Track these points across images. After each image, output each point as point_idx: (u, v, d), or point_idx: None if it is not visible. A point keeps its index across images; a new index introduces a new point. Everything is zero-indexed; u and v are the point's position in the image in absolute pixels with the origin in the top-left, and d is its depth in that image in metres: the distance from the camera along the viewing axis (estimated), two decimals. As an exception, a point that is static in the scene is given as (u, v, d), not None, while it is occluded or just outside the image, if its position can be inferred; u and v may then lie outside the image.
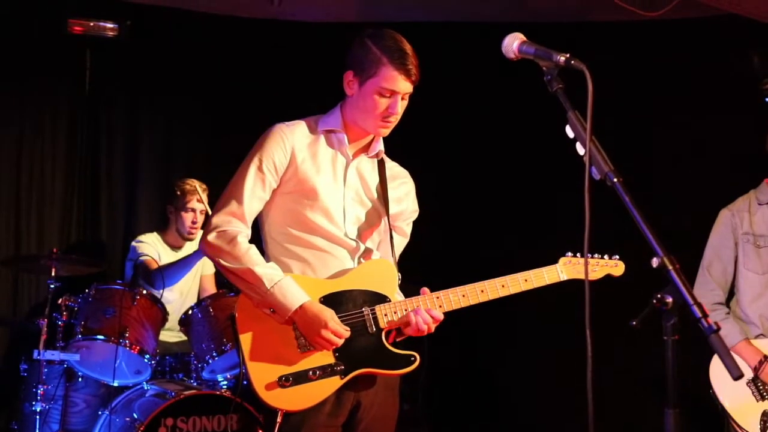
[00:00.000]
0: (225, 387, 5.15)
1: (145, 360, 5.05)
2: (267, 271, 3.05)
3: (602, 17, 6.49)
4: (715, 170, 5.48)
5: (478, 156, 6.73)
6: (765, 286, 4.34)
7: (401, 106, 3.18)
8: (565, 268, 3.31)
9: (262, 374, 3.00)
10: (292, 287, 3.04)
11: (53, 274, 5.15)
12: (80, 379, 5.22)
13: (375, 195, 3.33)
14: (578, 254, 3.32)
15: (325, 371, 3.04)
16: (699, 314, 2.02)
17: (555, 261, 3.33)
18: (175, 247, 5.87)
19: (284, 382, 2.99)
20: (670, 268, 2.07)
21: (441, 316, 3.17)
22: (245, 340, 3.03)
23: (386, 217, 3.33)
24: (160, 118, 6.82)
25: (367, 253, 3.30)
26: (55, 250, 5.23)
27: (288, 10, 6.74)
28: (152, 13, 6.59)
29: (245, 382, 3.05)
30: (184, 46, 6.69)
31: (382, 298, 3.17)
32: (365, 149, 3.33)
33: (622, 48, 6.28)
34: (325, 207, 3.17)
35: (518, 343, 6.45)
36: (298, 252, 3.18)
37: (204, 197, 5.63)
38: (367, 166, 3.34)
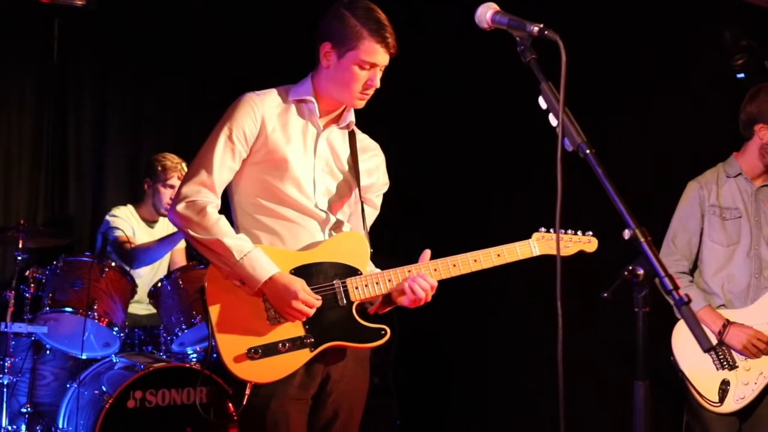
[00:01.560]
0: (194, 360, 5.13)
1: (114, 332, 5.03)
2: (236, 243, 3.02)
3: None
4: (686, 143, 5.49)
5: (450, 128, 6.71)
6: (728, 259, 4.36)
7: (378, 79, 3.16)
8: (538, 244, 3.29)
9: (231, 346, 2.98)
10: (262, 259, 3.01)
11: (20, 246, 5.09)
12: (48, 352, 5.19)
13: (346, 167, 3.30)
14: (551, 230, 3.30)
15: (295, 344, 3.02)
16: (670, 286, 2.02)
17: (529, 235, 3.32)
18: (150, 222, 5.82)
19: (253, 354, 2.97)
20: (642, 240, 2.07)
21: (435, 283, 3.15)
22: (214, 311, 3.01)
23: (357, 189, 3.31)
24: (129, 90, 6.74)
25: (338, 225, 3.28)
26: (22, 221, 5.17)
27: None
28: (122, -19, 6.50)
29: (214, 355, 3.03)
30: (154, 16, 6.59)
31: (353, 271, 3.15)
32: (336, 120, 3.30)
33: (596, 21, 6.26)
34: (296, 177, 3.14)
35: (489, 317, 6.46)
36: (267, 223, 3.15)
37: (184, 174, 5.59)
38: (338, 137, 3.31)
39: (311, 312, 3.02)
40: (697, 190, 4.46)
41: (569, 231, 3.38)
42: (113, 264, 5.13)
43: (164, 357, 5.10)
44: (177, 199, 3.13)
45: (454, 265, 3.18)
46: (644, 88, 5.84)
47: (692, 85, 5.58)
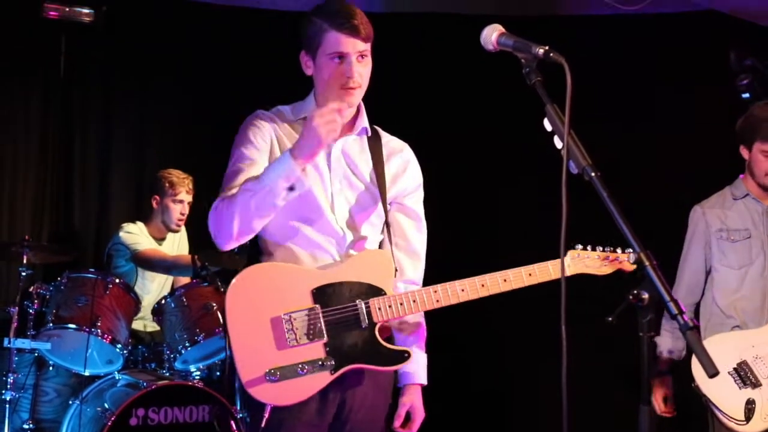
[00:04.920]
0: (198, 378, 5.12)
1: (117, 350, 5.01)
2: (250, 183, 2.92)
3: (581, 11, 6.49)
4: (692, 165, 5.49)
5: (465, 146, 6.68)
6: (741, 280, 4.34)
7: (359, 67, 3.02)
8: (573, 262, 3.14)
9: (249, 367, 2.89)
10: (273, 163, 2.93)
11: (25, 261, 5.08)
12: (51, 368, 5.18)
13: (367, 176, 3.16)
14: (588, 247, 3.17)
15: (315, 366, 2.90)
16: (675, 311, 2.01)
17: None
18: (158, 239, 5.83)
19: (271, 376, 2.87)
20: (647, 263, 2.06)
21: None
22: (234, 331, 2.93)
23: (382, 198, 3.16)
24: (134, 106, 6.77)
25: (362, 239, 3.16)
26: (27, 237, 5.18)
27: (268, -1, 6.71)
28: (129, -1, 6.54)
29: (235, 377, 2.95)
30: (161, 33, 6.63)
31: (376, 291, 3.02)
32: (349, 128, 3.15)
33: (600, 42, 6.28)
34: (310, 196, 3.04)
35: (502, 338, 6.43)
36: (288, 245, 3.07)
37: (192, 188, 5.65)
38: (356, 145, 3.17)
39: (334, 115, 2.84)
40: (700, 215, 4.46)
41: (607, 248, 3.19)
42: (117, 281, 5.12)
43: (167, 374, 5.09)
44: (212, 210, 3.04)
45: (483, 285, 3.03)
46: (650, 109, 5.84)
47: (698, 105, 5.59)
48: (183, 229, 5.92)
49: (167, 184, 5.72)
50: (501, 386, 6.52)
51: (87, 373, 5.03)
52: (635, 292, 2.07)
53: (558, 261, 2.97)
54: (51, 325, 4.95)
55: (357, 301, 2.98)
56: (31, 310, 4.98)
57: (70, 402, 5.06)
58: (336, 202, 3.10)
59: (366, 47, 3.03)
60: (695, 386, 4.22)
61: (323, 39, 3.00)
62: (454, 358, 6.72)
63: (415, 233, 3.27)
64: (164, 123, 6.82)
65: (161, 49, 6.63)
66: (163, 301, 5.19)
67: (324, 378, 2.92)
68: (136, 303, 5.23)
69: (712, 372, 1.99)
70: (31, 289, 5.03)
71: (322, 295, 2.97)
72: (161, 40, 6.63)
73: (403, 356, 3.02)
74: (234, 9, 6.84)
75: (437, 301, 3.02)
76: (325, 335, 2.93)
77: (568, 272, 3.10)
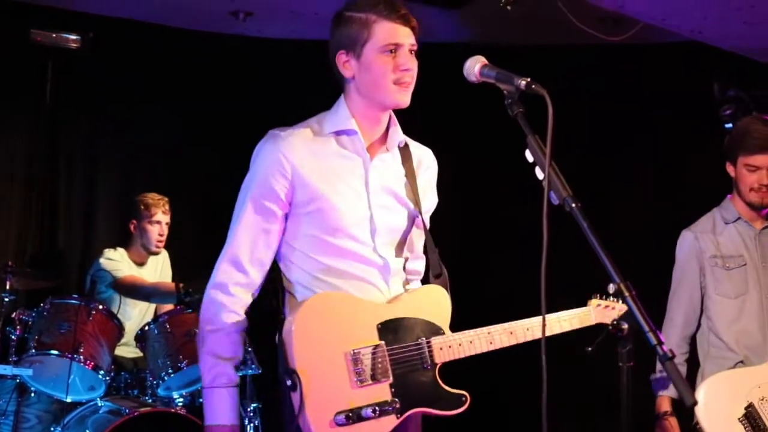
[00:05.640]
0: (180, 404, 5.09)
1: (100, 376, 4.99)
2: (217, 369, 2.77)
3: (565, 41, 6.53)
4: (676, 193, 5.52)
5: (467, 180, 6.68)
6: (739, 310, 4.13)
7: (412, 61, 2.78)
8: (595, 311, 3.16)
9: (319, 409, 2.65)
10: (226, 401, 2.77)
11: (8, 287, 5.06)
12: (33, 395, 5.13)
13: (403, 195, 2.93)
14: (605, 296, 3.18)
15: (383, 409, 2.70)
16: (654, 341, 2.02)
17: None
18: (139, 264, 5.82)
19: (342, 417, 2.64)
20: (626, 294, 2.07)
21: None
22: (304, 367, 2.67)
23: (420, 215, 2.95)
24: (120, 132, 6.78)
25: (401, 264, 2.96)
26: (10, 263, 5.15)
27: (254, 27, 6.74)
28: (116, 26, 6.55)
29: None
30: (148, 60, 6.66)
31: (436, 330, 2.86)
32: (382, 141, 2.91)
33: (584, 72, 6.32)
34: (349, 224, 2.80)
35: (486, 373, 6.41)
36: (332, 282, 2.81)
37: (168, 209, 5.66)
38: (390, 160, 2.94)
39: None
40: (692, 240, 4.23)
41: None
42: (101, 307, 5.11)
43: (150, 401, 5.06)
44: (212, 282, 2.84)
45: (528, 329, 2.94)
46: (634, 139, 5.87)
47: (681, 136, 5.62)
48: (165, 253, 5.93)
49: (143, 207, 5.75)
50: (481, 414, 6.49)
51: (69, 400, 4.99)
52: (615, 322, 2.08)
53: (586, 310, 3.17)
54: (33, 351, 4.92)
55: (420, 340, 2.82)
56: (13, 336, 4.95)
57: (52, 429, 5.02)
58: (377, 226, 2.86)
59: (414, 42, 2.81)
60: (699, 427, 3.93)
61: (372, 31, 2.74)
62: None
63: (419, 241, 3.05)
64: (150, 149, 6.82)
65: (148, 75, 6.65)
66: (146, 328, 5.18)
67: (390, 422, 2.73)
68: (119, 329, 5.21)
69: (691, 402, 2.00)
70: (13, 315, 5.00)
71: (387, 330, 2.78)
72: (148, 66, 6.65)
73: (461, 400, 2.85)
74: (220, 36, 6.88)
75: (490, 343, 2.91)
76: (391, 375, 2.75)
77: (593, 321, 3.16)
